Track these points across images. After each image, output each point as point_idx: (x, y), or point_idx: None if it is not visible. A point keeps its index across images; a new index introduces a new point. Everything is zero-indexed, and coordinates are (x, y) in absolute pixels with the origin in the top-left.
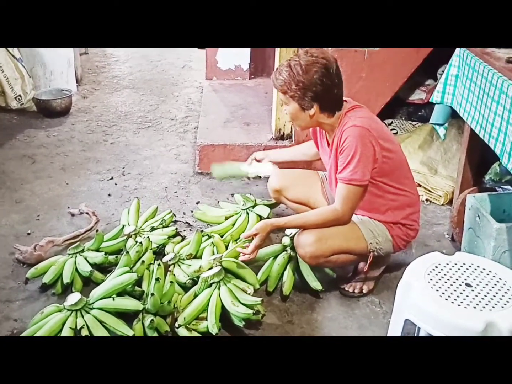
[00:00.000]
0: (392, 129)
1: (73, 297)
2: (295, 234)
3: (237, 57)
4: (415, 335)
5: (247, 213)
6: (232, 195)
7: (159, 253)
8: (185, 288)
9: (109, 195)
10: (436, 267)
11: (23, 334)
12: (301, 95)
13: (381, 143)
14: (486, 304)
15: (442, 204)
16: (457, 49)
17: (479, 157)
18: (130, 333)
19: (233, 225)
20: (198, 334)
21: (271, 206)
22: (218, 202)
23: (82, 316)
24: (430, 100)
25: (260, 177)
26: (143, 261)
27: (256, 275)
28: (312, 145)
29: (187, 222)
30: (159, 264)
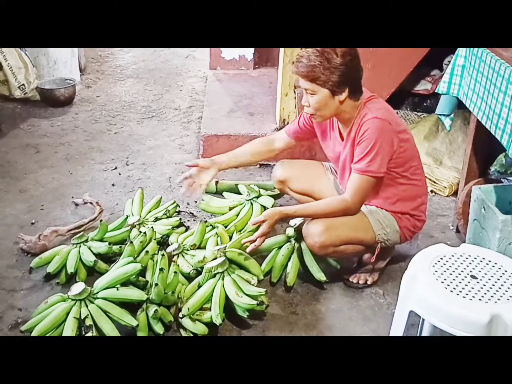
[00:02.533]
0: None
1: (77, 287)
2: (299, 225)
3: None
4: (419, 327)
5: (251, 204)
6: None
7: (163, 243)
8: (189, 278)
9: (113, 185)
10: (441, 258)
11: (27, 323)
12: (335, 80)
13: (399, 136)
14: (492, 296)
15: (447, 196)
16: None
17: (485, 148)
18: (134, 323)
19: (237, 215)
20: (202, 325)
21: (275, 197)
22: (222, 192)
23: (86, 306)
24: (436, 91)
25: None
26: (147, 251)
27: (260, 265)
28: (269, 140)
29: (191, 213)
30: (163, 255)
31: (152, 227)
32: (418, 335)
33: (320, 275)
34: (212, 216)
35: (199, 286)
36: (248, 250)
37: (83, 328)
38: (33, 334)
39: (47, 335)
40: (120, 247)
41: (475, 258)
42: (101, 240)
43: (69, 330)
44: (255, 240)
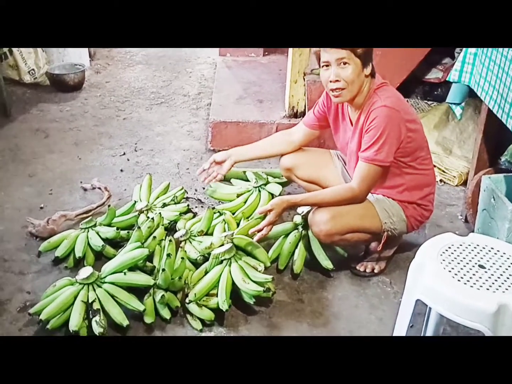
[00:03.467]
0: None
1: (85, 271)
2: (306, 213)
3: None
4: (426, 316)
5: (259, 191)
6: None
7: (170, 229)
8: (196, 264)
9: (121, 170)
10: (449, 248)
11: (35, 306)
12: (370, 50)
13: (408, 125)
14: (499, 286)
15: (456, 185)
16: None
17: (496, 137)
18: (141, 307)
19: (245, 202)
20: (208, 310)
21: (283, 184)
22: (230, 179)
23: (94, 290)
24: (447, 79)
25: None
26: (154, 237)
27: (267, 252)
28: (288, 133)
29: (198, 199)
30: (170, 240)
31: (160, 213)
32: (423, 330)
33: (327, 263)
34: (220, 202)
35: (206, 272)
36: (255, 239)
37: (90, 312)
38: (41, 317)
39: (54, 318)
40: (128, 232)
41: (483, 248)
42: (109, 225)
43: (76, 313)
44: (262, 229)
